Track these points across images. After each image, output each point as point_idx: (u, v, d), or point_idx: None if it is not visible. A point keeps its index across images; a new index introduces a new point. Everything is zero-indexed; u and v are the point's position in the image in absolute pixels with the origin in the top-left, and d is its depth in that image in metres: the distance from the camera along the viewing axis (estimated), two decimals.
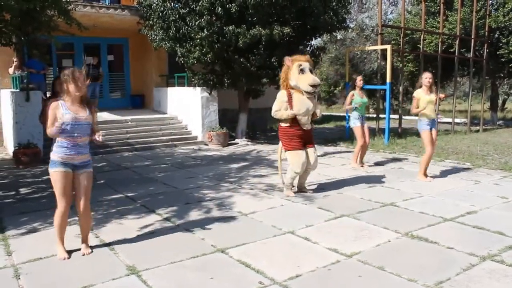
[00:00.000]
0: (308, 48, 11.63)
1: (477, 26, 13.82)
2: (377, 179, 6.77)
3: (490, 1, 14.72)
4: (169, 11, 10.29)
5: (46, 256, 3.79)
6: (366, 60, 23.48)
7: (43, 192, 6.15)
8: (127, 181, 6.96)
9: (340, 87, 27.28)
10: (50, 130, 3.65)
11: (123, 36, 14.05)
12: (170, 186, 6.52)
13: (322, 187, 6.30)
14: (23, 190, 6.39)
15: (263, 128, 14.46)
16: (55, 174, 3.70)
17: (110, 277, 3.37)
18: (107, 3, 12.56)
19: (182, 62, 10.78)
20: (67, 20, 7.47)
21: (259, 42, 9.80)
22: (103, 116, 11.60)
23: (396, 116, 12.81)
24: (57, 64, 12.99)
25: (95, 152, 8.89)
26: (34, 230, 4.51)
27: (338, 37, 23.08)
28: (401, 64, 13.55)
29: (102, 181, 6.87)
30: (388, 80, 11.03)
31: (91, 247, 3.95)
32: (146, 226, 4.60)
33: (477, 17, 13.87)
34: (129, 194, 6.04)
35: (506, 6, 14.63)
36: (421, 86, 6.61)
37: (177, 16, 10.21)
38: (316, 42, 17.86)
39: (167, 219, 4.87)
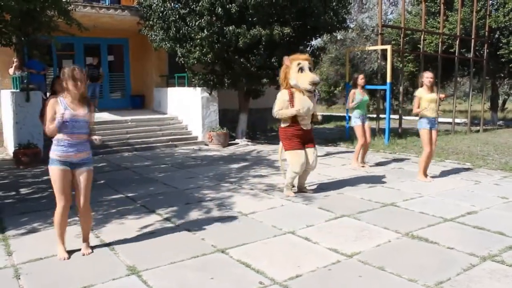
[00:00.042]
0: (308, 48, 11.63)
1: (477, 26, 13.82)
2: (377, 179, 6.77)
3: (490, 1, 14.71)
4: (169, 12, 10.29)
5: (46, 256, 3.79)
6: (366, 60, 23.49)
7: (43, 193, 6.15)
8: (127, 181, 6.96)
9: (340, 87, 27.28)
10: (48, 127, 3.63)
11: (123, 36, 14.06)
12: (170, 186, 6.52)
13: (323, 187, 6.29)
14: (23, 191, 6.39)
15: (263, 128, 14.47)
16: (53, 172, 3.70)
17: (110, 277, 3.37)
18: (107, 4, 12.57)
19: (182, 62, 10.78)
20: (67, 20, 7.47)
21: (259, 42, 9.80)
22: (103, 116, 11.61)
23: (396, 116, 12.81)
24: (57, 65, 13.00)
25: (95, 152, 8.89)
26: (34, 230, 4.51)
27: (338, 37, 23.09)
28: (401, 64, 13.56)
29: (102, 181, 6.87)
30: (388, 80, 11.03)
31: (92, 247, 3.95)
32: (146, 226, 4.60)
33: (477, 17, 13.87)
34: (129, 194, 6.04)
35: (506, 6, 14.63)
36: (422, 85, 6.60)
37: (177, 16, 10.21)
38: (316, 42, 17.85)
39: (167, 219, 4.87)
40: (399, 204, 5.34)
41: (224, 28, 9.64)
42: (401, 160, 8.59)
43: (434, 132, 6.61)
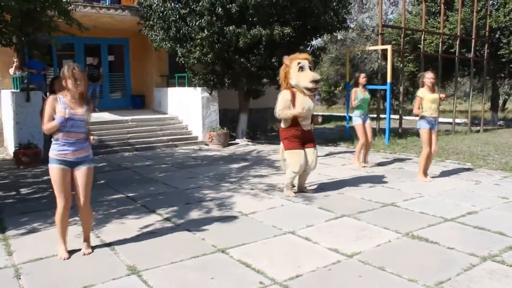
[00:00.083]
0: (308, 48, 11.63)
1: (477, 26, 13.81)
2: (377, 179, 6.77)
3: (491, 1, 14.71)
4: (170, 12, 10.29)
5: (46, 256, 3.79)
6: (366, 60, 23.48)
7: (44, 192, 6.15)
8: (127, 181, 6.97)
9: (340, 87, 27.28)
10: (46, 125, 3.62)
11: (124, 36, 14.07)
12: (170, 186, 6.52)
13: (323, 187, 6.29)
14: (23, 191, 6.39)
15: (263, 128, 14.47)
16: (53, 171, 3.69)
17: (110, 277, 3.37)
18: (107, 4, 12.57)
19: (183, 62, 10.78)
20: (67, 20, 7.47)
21: (259, 42, 9.80)
22: (104, 116, 11.62)
23: (397, 116, 12.81)
24: (57, 65, 13.00)
25: (95, 152, 8.89)
26: (35, 230, 4.51)
27: (339, 37, 23.09)
28: (401, 64, 13.56)
29: (102, 181, 6.87)
30: (388, 80, 11.03)
31: (92, 247, 3.95)
32: (146, 226, 4.60)
33: (478, 17, 13.86)
34: (130, 194, 6.04)
35: (507, 6, 14.62)
36: (422, 85, 6.59)
37: (177, 16, 10.21)
38: (316, 42, 17.86)
39: (167, 219, 4.87)
40: (399, 204, 5.34)
41: (225, 28, 9.64)
42: (402, 160, 8.59)
43: (434, 133, 6.60)
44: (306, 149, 5.72)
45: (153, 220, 4.83)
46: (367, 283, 3.25)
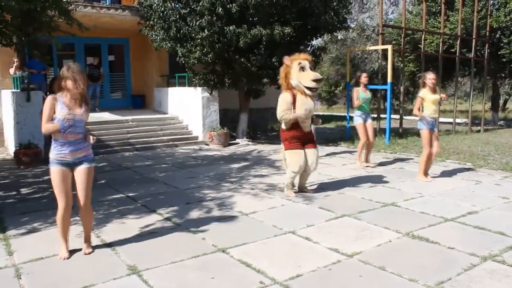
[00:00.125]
0: (309, 48, 11.63)
1: (478, 26, 13.81)
2: (378, 179, 6.77)
3: (491, 1, 14.71)
4: (170, 11, 10.30)
5: (47, 256, 3.79)
6: (367, 60, 23.49)
7: (44, 192, 6.15)
8: (128, 181, 6.97)
9: (341, 87, 27.28)
10: (45, 126, 3.62)
11: (124, 36, 14.07)
12: (171, 186, 6.53)
13: (323, 187, 6.29)
14: (24, 190, 6.39)
15: (264, 128, 14.47)
16: (53, 173, 3.70)
17: (111, 277, 3.37)
18: (107, 4, 12.57)
19: (183, 62, 10.79)
20: (67, 20, 7.48)
21: (259, 42, 9.80)
22: (104, 116, 11.63)
23: (397, 116, 12.80)
24: (57, 65, 13.00)
25: (96, 152, 8.89)
26: (35, 230, 4.51)
27: (339, 37, 23.10)
28: (402, 64, 13.56)
29: (103, 181, 6.87)
30: (389, 80, 11.03)
31: (92, 247, 3.95)
32: (147, 226, 4.60)
33: (478, 17, 13.86)
34: (130, 194, 6.04)
35: (507, 6, 14.62)
36: (423, 86, 6.59)
37: (177, 16, 10.22)
38: (317, 42, 17.87)
39: (168, 219, 4.87)
40: (400, 204, 5.34)
41: (225, 28, 9.65)
42: (402, 160, 8.59)
43: (435, 133, 6.61)
44: (307, 150, 5.72)
45: (153, 220, 4.83)
46: (367, 283, 3.25)
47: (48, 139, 3.85)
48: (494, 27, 14.62)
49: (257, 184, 6.56)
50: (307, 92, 5.51)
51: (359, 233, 4.32)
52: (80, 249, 3.89)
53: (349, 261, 3.65)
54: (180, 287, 3.21)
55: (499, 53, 15.03)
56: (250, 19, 9.74)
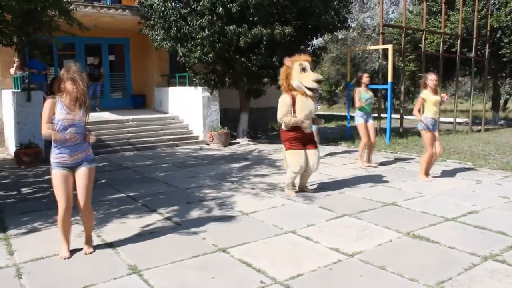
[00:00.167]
0: (309, 48, 11.63)
1: (479, 25, 13.80)
2: (378, 179, 6.77)
3: (492, 1, 14.70)
4: (170, 11, 10.30)
5: (47, 256, 3.79)
6: (367, 60, 23.48)
7: (45, 192, 6.15)
8: (128, 180, 6.97)
9: (341, 87, 27.27)
10: (45, 130, 3.61)
11: (124, 36, 14.08)
12: (171, 186, 6.53)
13: (324, 187, 6.29)
14: (24, 190, 6.40)
15: (264, 128, 14.47)
16: (54, 176, 3.70)
17: (111, 277, 3.37)
18: (108, 3, 12.57)
19: (183, 62, 10.79)
20: (68, 20, 7.48)
21: (260, 41, 9.80)
22: (105, 116, 11.63)
23: (398, 116, 12.80)
24: (58, 64, 13.01)
25: (96, 152, 8.89)
26: (36, 230, 4.51)
27: (340, 37, 23.09)
28: (402, 64, 13.55)
29: (103, 181, 6.87)
30: (389, 79, 11.02)
31: (93, 247, 3.95)
32: (147, 226, 4.60)
33: (479, 16, 13.85)
34: (131, 194, 6.04)
35: (508, 5, 14.62)
36: (425, 86, 6.58)
37: (178, 16, 10.22)
38: (317, 41, 17.86)
39: (168, 218, 4.87)
40: (400, 204, 5.34)
41: (225, 27, 9.65)
42: (402, 159, 8.58)
43: (436, 133, 6.61)
44: (307, 151, 5.72)
45: (154, 219, 4.84)
46: (368, 282, 3.25)
47: (48, 140, 3.84)
48: (495, 26, 14.61)
49: (257, 183, 6.56)
50: (308, 93, 5.51)
51: (359, 232, 4.32)
52: (81, 249, 3.89)
53: (350, 260, 3.65)
54: (181, 287, 3.21)
55: (499, 52, 15.02)
56: (251, 18, 9.74)
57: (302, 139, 5.68)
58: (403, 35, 12.50)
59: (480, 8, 13.97)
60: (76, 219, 4.39)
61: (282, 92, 5.75)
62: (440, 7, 14.28)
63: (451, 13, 15.07)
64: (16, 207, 5.45)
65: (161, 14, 10.45)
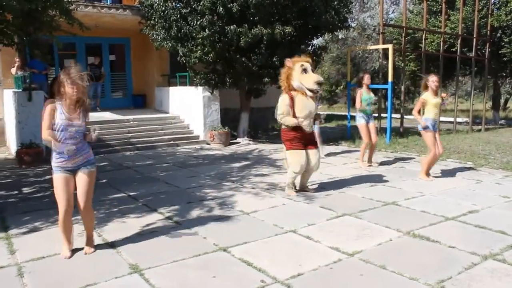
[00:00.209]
0: (309, 48, 11.64)
1: (479, 25, 13.80)
2: (378, 178, 6.78)
3: (492, 0, 14.70)
4: (171, 11, 10.31)
5: (49, 255, 3.80)
6: (367, 60, 23.47)
7: (46, 192, 6.17)
8: (129, 180, 6.98)
9: (341, 87, 27.27)
10: (45, 135, 3.64)
11: (125, 36, 14.09)
12: (172, 185, 6.54)
13: (324, 186, 6.30)
14: (25, 190, 6.41)
15: (264, 127, 14.47)
16: (55, 179, 3.72)
17: (113, 276, 3.38)
18: (108, 3, 12.59)
19: (184, 61, 10.80)
20: (68, 20, 7.49)
21: (260, 41, 9.81)
22: (105, 115, 11.65)
23: (398, 116, 12.80)
24: (59, 64, 13.02)
25: (97, 152, 8.91)
26: (37, 229, 4.53)
27: (340, 37, 23.08)
28: (402, 64, 13.55)
29: (104, 181, 6.88)
30: (389, 79, 11.02)
31: (94, 246, 3.96)
32: (148, 225, 4.62)
33: (479, 16, 13.84)
34: (131, 193, 6.05)
35: (508, 5, 14.61)
36: (426, 88, 6.58)
37: (178, 15, 10.23)
38: (317, 41, 17.85)
39: (169, 218, 4.88)
40: (401, 203, 5.35)
41: (226, 27, 9.65)
42: (403, 159, 8.59)
43: (437, 134, 6.62)
44: (308, 151, 5.73)
45: (154, 219, 4.85)
46: (368, 281, 3.26)
47: (48, 146, 3.85)
48: (495, 26, 14.61)
49: (258, 183, 6.57)
50: (309, 93, 5.53)
51: (360, 232, 4.33)
52: (82, 248, 3.90)
53: (350, 260, 3.66)
54: (182, 286, 3.22)
55: (500, 52, 15.02)
56: (251, 18, 9.75)
57: (303, 139, 5.69)
58: (403, 34, 12.50)
59: (480, 7, 13.97)
60: (77, 218, 4.40)
61: (282, 92, 5.76)
62: (440, 6, 14.27)
63: (452, 12, 15.06)
64: (17, 206, 5.47)
65: (162, 14, 10.46)
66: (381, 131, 11.69)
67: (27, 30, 7.27)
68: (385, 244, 4.00)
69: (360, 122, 7.73)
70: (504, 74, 17.34)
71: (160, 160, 8.88)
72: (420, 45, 13.95)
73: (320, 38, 18.57)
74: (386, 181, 6.61)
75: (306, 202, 5.49)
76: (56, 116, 3.61)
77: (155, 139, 10.84)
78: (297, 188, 6.04)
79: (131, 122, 11.37)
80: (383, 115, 12.75)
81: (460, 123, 14.89)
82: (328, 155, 9.12)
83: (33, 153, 8.46)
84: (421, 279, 3.25)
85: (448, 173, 7.11)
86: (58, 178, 3.70)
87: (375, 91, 15.47)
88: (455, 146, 10.10)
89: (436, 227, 4.43)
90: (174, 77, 13.09)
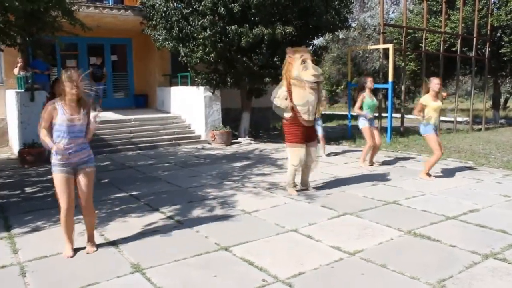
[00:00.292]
0: (310, 48, 11.65)
1: (479, 24, 13.80)
2: (379, 178, 6.79)
3: (492, 0, 14.69)
4: (172, 11, 10.33)
5: (51, 254, 3.83)
6: (368, 59, 23.47)
7: (48, 191, 6.18)
8: (131, 180, 7.00)
9: (342, 86, 27.27)
10: (41, 136, 3.68)
11: (127, 36, 14.11)
12: (173, 185, 6.56)
13: (325, 186, 6.32)
14: (28, 189, 6.44)
15: (266, 127, 14.49)
16: (55, 176, 3.74)
17: (114, 275, 3.40)
18: (110, 4, 12.61)
19: (185, 61, 10.82)
20: (71, 20, 7.50)
21: (261, 41, 9.83)
22: (107, 115, 11.65)
23: (398, 115, 12.81)
24: (61, 65, 13.04)
25: (99, 152, 8.94)
26: (39, 229, 4.55)
27: (340, 37, 23.08)
28: (403, 63, 13.57)
29: (106, 180, 6.91)
30: (390, 79, 11.04)
31: (96, 245, 3.98)
32: (150, 224, 4.64)
33: (479, 15, 13.85)
34: (133, 193, 6.07)
35: (508, 4, 14.61)
36: (428, 91, 6.59)
37: (180, 16, 10.25)
38: (318, 41, 17.84)
39: (170, 217, 4.90)
40: (402, 202, 5.36)
41: (227, 27, 9.67)
42: (403, 158, 8.60)
43: (437, 135, 6.66)
44: (309, 147, 5.77)
45: (156, 218, 4.87)
46: (369, 280, 3.27)
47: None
48: (495, 25, 14.61)
49: (259, 182, 6.59)
50: (307, 84, 5.59)
51: (361, 231, 4.34)
52: (84, 247, 3.93)
53: (351, 259, 3.67)
54: (183, 285, 3.24)
55: (500, 51, 15.02)
56: (252, 18, 9.77)
57: (303, 132, 5.72)
58: (403, 34, 12.52)
59: (480, 7, 13.97)
60: (78, 218, 4.42)
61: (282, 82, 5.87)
62: (440, 6, 14.28)
63: (452, 12, 15.07)
64: (19, 206, 5.49)
65: (163, 14, 10.49)
66: (381, 130, 11.70)
67: (29, 31, 7.28)
68: (386, 243, 4.02)
69: (363, 125, 7.66)
70: (504, 74, 17.34)
71: (161, 159, 8.90)
72: (420, 44, 13.96)
73: (321, 38, 18.57)
74: (387, 180, 6.63)
75: (307, 201, 5.51)
76: (58, 116, 3.64)
77: (157, 139, 10.87)
78: (298, 186, 6.06)
79: (133, 122, 11.40)
80: (383, 114, 12.76)
81: (460, 122, 14.90)
82: (329, 154, 9.14)
83: (36, 153, 8.48)
84: (422, 278, 3.27)
85: (448, 173, 7.12)
86: (58, 177, 3.72)
87: (375, 91, 15.49)
88: (455, 145, 10.11)
89: (436, 226, 4.45)
90: (175, 77, 13.11)
